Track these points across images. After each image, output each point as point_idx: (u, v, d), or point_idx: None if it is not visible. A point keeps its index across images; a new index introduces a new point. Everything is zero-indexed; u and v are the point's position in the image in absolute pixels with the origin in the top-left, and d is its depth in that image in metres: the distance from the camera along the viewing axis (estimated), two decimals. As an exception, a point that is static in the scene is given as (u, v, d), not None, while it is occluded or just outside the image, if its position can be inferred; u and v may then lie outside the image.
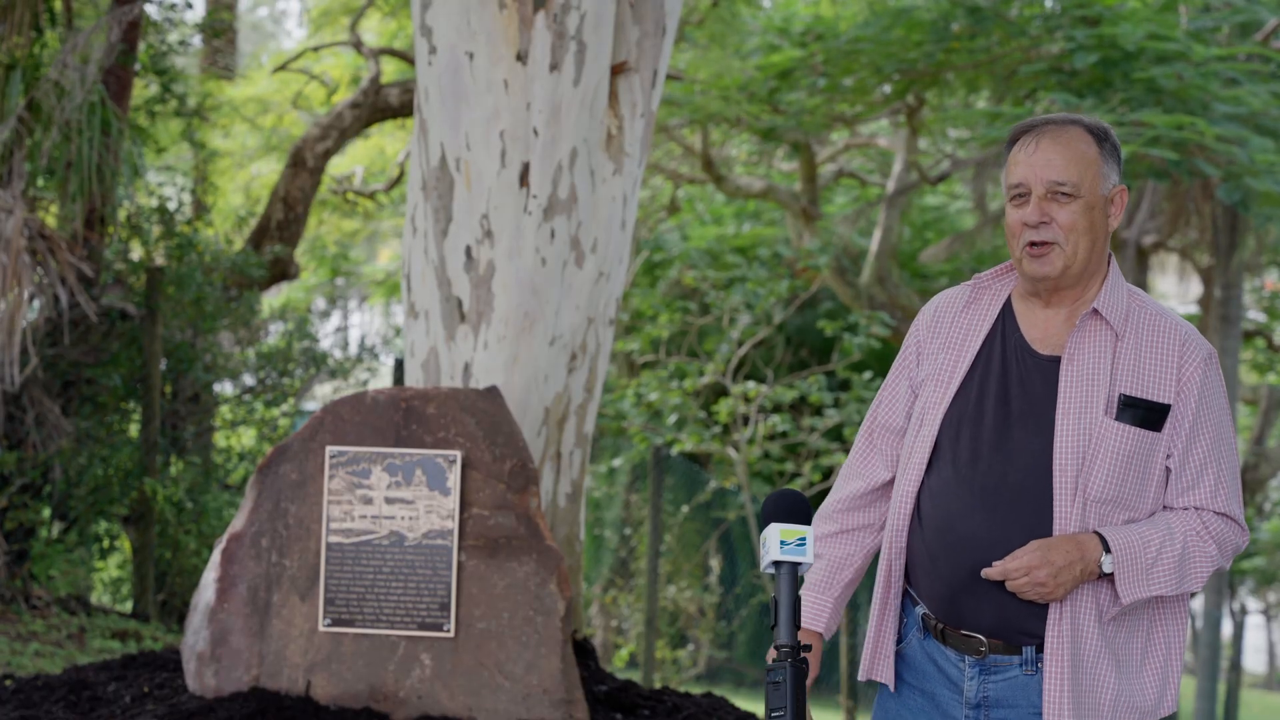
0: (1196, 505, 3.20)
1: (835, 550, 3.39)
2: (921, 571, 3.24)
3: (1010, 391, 3.21)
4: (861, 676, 3.34)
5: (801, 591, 3.32)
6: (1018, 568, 3.10)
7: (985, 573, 3.12)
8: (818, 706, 13.65)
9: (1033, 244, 3.18)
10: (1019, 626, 3.16)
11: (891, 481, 3.36)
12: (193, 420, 9.26)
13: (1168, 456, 3.18)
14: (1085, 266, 3.20)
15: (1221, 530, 3.20)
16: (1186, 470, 3.19)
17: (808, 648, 2.95)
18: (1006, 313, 3.29)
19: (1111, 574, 3.12)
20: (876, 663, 3.31)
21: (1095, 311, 3.20)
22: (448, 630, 4.92)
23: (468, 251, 5.57)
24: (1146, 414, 3.15)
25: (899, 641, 3.31)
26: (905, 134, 14.39)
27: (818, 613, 3.36)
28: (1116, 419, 3.14)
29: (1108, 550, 3.11)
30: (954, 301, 3.34)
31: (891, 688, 3.32)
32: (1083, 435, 3.13)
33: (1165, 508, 3.21)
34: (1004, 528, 3.14)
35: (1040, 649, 3.15)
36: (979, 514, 3.16)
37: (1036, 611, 3.14)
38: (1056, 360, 3.20)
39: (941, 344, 3.30)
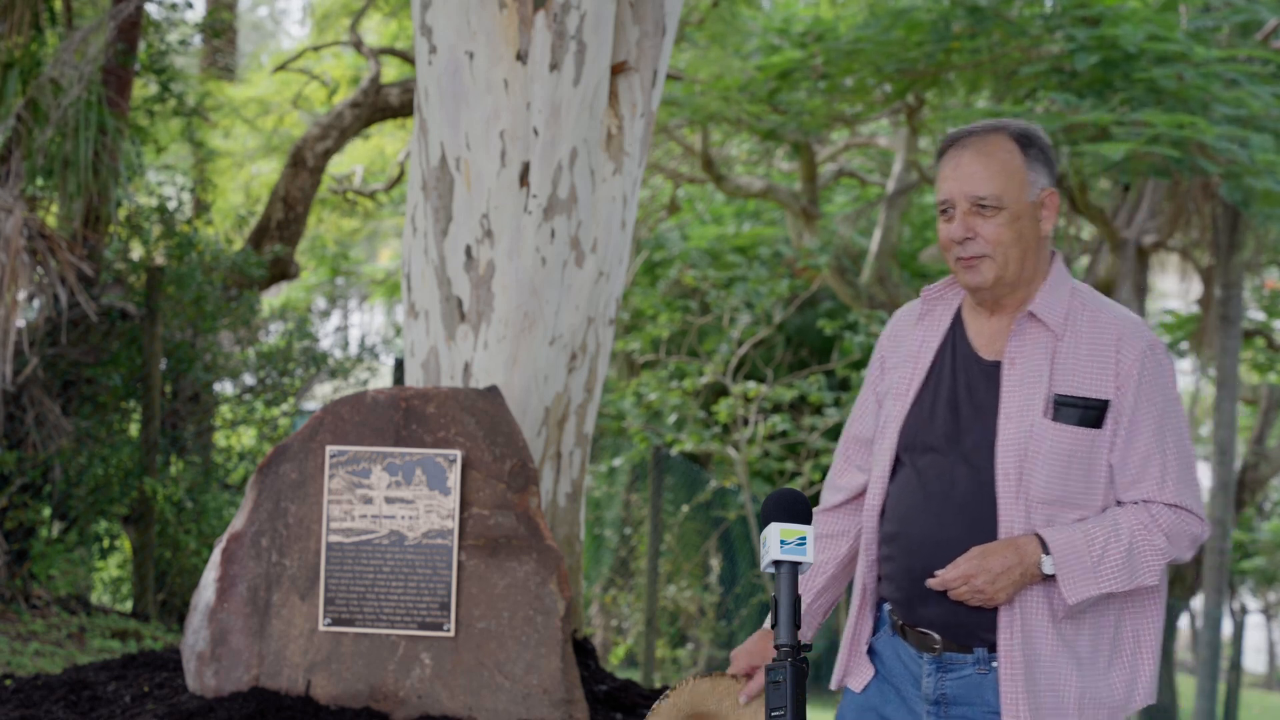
0: (1145, 498, 3.19)
1: None
2: (884, 573, 3.31)
3: (959, 398, 3.25)
4: (833, 684, 3.39)
5: None
6: (955, 577, 3.14)
7: (929, 583, 3.17)
8: (817, 706, 13.64)
9: (962, 257, 3.22)
10: (970, 630, 3.19)
11: (865, 491, 3.42)
12: (193, 420, 9.26)
13: (1111, 451, 3.19)
14: (1020, 274, 3.23)
15: (1172, 522, 3.19)
16: (1130, 463, 3.19)
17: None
18: (957, 322, 3.33)
19: (1054, 575, 3.13)
20: (850, 669, 3.37)
21: (1032, 314, 3.22)
22: (448, 630, 4.92)
23: (468, 251, 5.57)
24: (1084, 412, 3.16)
25: (874, 634, 3.37)
26: (905, 134, 14.39)
27: None
28: (1053, 419, 3.15)
29: (1048, 551, 3.12)
30: (910, 315, 3.40)
31: (858, 690, 3.37)
32: (1023, 437, 3.15)
33: (1118, 503, 3.22)
34: (951, 531, 3.18)
35: (993, 649, 3.18)
36: (929, 518, 3.21)
37: (987, 615, 3.17)
38: (1000, 365, 3.23)
39: (901, 357, 3.36)
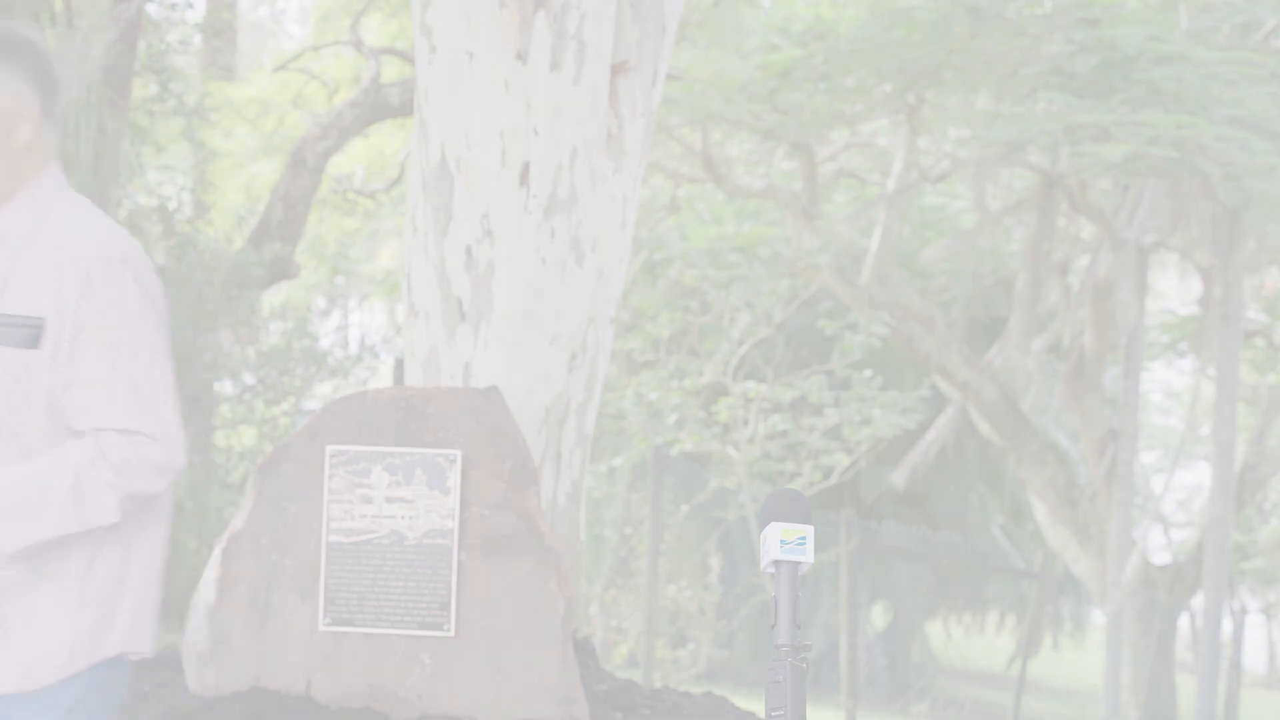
0: (96, 426, 2.91)
1: None
2: None
3: None
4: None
5: None
6: None
7: None
8: (818, 706, 13.66)
9: None
10: None
11: None
12: (193, 419, 9.26)
13: (54, 376, 2.92)
14: None
15: (123, 451, 2.92)
16: (76, 389, 2.91)
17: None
18: None
19: None
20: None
21: None
22: (448, 630, 4.92)
23: (468, 251, 5.58)
24: (11, 331, 2.90)
25: None
26: (905, 133, 14.38)
27: None
28: None
29: None
30: None
31: None
32: None
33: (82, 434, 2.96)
34: None
35: None
36: None
37: None
38: None
39: None
